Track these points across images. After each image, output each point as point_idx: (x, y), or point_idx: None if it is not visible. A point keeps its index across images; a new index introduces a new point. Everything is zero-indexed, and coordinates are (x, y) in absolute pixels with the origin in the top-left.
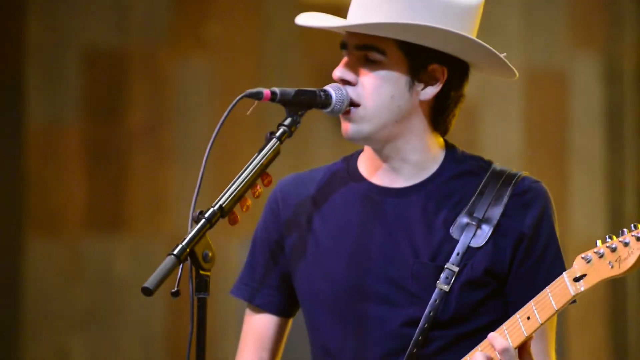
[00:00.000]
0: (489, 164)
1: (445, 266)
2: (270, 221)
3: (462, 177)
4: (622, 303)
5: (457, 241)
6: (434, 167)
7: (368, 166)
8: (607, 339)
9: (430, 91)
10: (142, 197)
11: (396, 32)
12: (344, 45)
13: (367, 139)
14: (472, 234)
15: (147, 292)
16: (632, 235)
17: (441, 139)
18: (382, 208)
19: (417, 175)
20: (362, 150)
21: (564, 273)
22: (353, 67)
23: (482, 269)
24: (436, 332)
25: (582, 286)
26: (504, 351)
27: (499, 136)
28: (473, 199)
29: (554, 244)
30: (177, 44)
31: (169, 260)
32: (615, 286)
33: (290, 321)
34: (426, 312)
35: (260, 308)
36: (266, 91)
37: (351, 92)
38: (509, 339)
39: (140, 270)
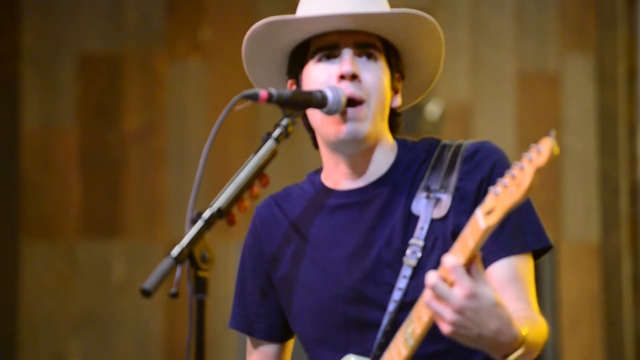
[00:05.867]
0: (438, 141)
1: (410, 242)
2: (255, 249)
3: (417, 160)
4: (616, 301)
5: (419, 217)
6: (391, 160)
7: (332, 177)
8: (601, 336)
9: (397, 99)
10: (137, 201)
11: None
12: (336, 46)
13: (365, 139)
14: (433, 206)
15: (146, 293)
16: (526, 158)
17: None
18: (351, 212)
19: (377, 171)
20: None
21: (478, 208)
22: (355, 64)
23: (450, 238)
24: (404, 313)
25: (492, 218)
26: (454, 269)
27: (492, 139)
28: (427, 174)
29: None
30: (172, 48)
31: (167, 261)
32: (609, 283)
33: (293, 340)
34: (393, 294)
35: (260, 339)
36: (263, 92)
37: (355, 89)
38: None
39: (136, 273)
